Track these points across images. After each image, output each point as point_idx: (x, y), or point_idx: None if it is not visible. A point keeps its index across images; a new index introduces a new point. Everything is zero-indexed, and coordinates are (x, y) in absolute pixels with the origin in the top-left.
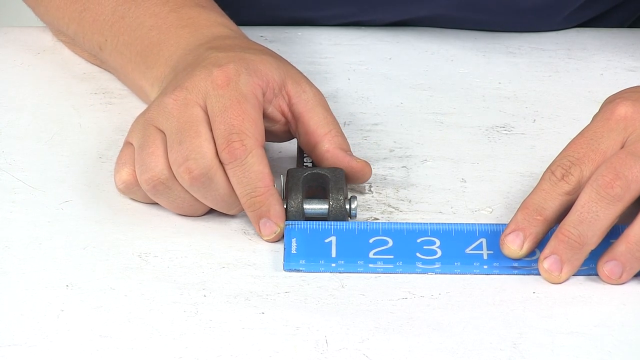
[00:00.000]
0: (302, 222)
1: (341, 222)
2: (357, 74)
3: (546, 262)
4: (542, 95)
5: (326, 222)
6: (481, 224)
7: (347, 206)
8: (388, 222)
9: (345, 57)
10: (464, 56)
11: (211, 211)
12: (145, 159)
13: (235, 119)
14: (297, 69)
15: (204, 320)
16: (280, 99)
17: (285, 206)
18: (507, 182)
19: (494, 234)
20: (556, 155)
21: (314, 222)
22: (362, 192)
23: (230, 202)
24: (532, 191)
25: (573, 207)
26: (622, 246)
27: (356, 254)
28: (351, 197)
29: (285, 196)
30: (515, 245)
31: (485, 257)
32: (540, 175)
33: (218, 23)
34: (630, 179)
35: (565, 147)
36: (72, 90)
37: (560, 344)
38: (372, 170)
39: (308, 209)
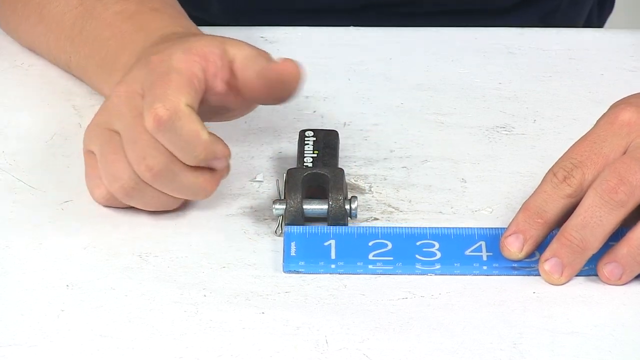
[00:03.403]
0: (301, 226)
1: (340, 226)
2: (357, 74)
3: (547, 264)
4: (542, 95)
5: (325, 226)
6: (480, 227)
7: (347, 206)
8: (387, 227)
9: (345, 57)
10: (464, 56)
11: (211, 211)
12: (109, 169)
13: (159, 88)
14: (234, 38)
15: (204, 320)
16: (226, 70)
17: (284, 206)
18: (507, 182)
19: (493, 237)
20: (558, 157)
21: (313, 226)
22: (362, 192)
23: (196, 189)
24: (533, 193)
25: (576, 211)
26: (623, 249)
27: (355, 255)
28: (351, 197)
29: (285, 196)
30: (515, 247)
31: (484, 258)
32: (541, 176)
33: (171, 24)
34: (635, 185)
35: (568, 149)
36: (72, 90)
37: (560, 344)
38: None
39: (308, 209)
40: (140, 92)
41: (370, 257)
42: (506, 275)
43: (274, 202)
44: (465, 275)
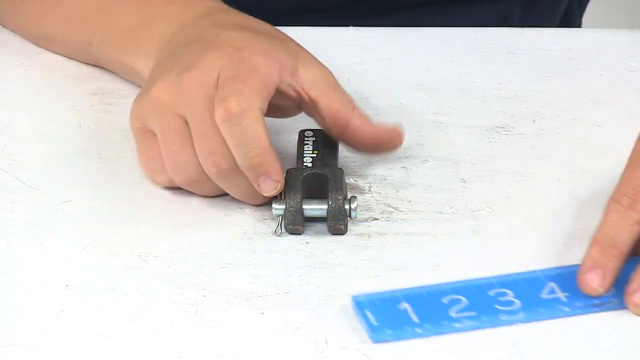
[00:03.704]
0: (368, 294)
1: (407, 288)
2: (357, 74)
3: (636, 297)
4: (542, 95)
5: (391, 290)
6: (543, 269)
7: (347, 206)
8: (453, 282)
9: (345, 57)
10: (464, 56)
11: (211, 211)
12: (175, 159)
13: (237, 84)
14: (305, 50)
15: (204, 320)
16: (294, 82)
17: (284, 206)
18: (506, 182)
19: (562, 277)
20: (557, 157)
21: (380, 292)
22: (362, 192)
23: (251, 194)
24: (601, 224)
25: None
26: None
27: (437, 315)
28: (351, 197)
29: (285, 196)
30: (595, 283)
31: (563, 299)
32: (540, 176)
33: None
34: None
35: (624, 175)
36: (71, 90)
37: (560, 344)
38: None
39: (307, 209)
40: (215, 83)
41: (452, 314)
42: (591, 313)
43: (274, 202)
44: (552, 319)
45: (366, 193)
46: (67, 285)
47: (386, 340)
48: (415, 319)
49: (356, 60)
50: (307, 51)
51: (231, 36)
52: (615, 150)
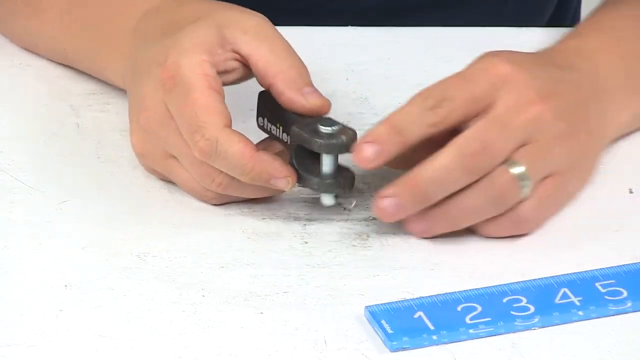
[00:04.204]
0: (381, 304)
1: (421, 297)
2: (355, 74)
3: (386, 202)
4: None
5: (405, 300)
6: (555, 275)
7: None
8: (465, 290)
9: (344, 57)
10: (464, 56)
11: (210, 211)
12: (188, 187)
13: (189, 118)
14: (231, 7)
15: (203, 320)
16: (229, 52)
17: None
18: None
19: (572, 282)
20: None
21: (393, 302)
22: (361, 192)
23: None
24: (400, 109)
25: (433, 163)
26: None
27: (453, 322)
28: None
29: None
30: (368, 153)
31: (577, 303)
32: None
33: None
34: (495, 155)
35: (442, 80)
36: (70, 91)
37: (560, 343)
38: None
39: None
40: (169, 115)
41: (468, 321)
42: (604, 317)
43: (322, 197)
44: (566, 324)
45: (365, 192)
46: (66, 285)
47: (404, 348)
48: (430, 326)
49: (355, 60)
50: (234, 8)
51: (156, 51)
52: (615, 149)
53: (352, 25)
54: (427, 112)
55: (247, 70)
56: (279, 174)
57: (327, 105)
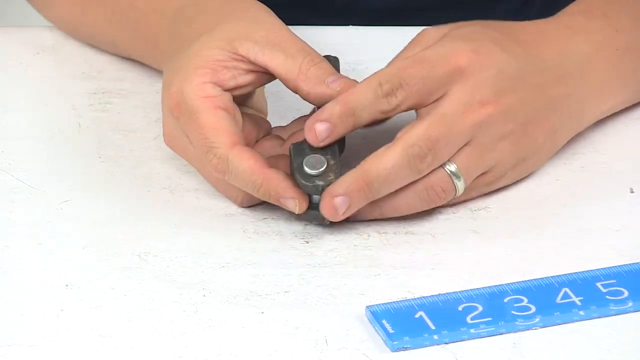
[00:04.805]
0: (382, 304)
1: (422, 297)
2: (356, 74)
3: (338, 200)
4: None
5: (405, 299)
6: (556, 275)
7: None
8: (466, 290)
9: (345, 57)
10: None
11: (211, 211)
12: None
13: (199, 140)
14: (240, 17)
15: (203, 320)
16: (240, 64)
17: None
18: None
19: (573, 282)
20: (556, 156)
21: (394, 302)
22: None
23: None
24: (355, 90)
25: (382, 161)
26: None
27: (454, 322)
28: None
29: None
30: (321, 132)
31: (578, 303)
32: (539, 175)
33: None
34: (439, 157)
35: (398, 61)
36: (71, 90)
37: (559, 343)
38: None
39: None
40: (187, 139)
41: (469, 320)
42: (605, 317)
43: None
44: (567, 323)
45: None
46: (66, 285)
47: (405, 348)
48: (431, 325)
49: (356, 60)
50: (243, 15)
51: (165, 78)
52: (615, 149)
53: (359, 24)
54: (381, 99)
55: (265, 77)
56: (286, 194)
57: (353, 85)
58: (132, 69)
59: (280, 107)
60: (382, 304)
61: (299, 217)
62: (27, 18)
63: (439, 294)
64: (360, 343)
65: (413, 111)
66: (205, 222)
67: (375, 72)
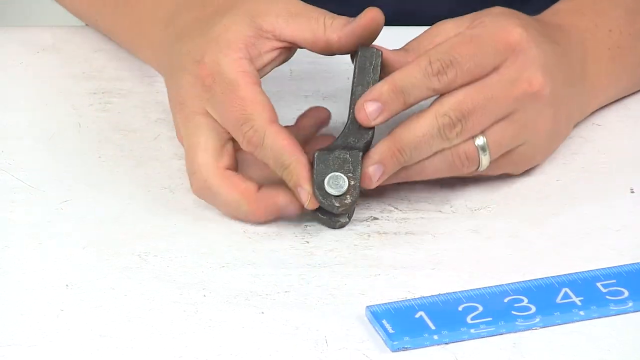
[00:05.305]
0: (382, 304)
1: (422, 297)
2: None
3: (372, 169)
4: None
5: (406, 300)
6: (556, 275)
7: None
8: (467, 290)
9: (345, 57)
10: None
11: (211, 211)
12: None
13: (236, 111)
14: None
15: (203, 320)
16: (265, 41)
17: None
18: (506, 181)
19: (573, 282)
20: (556, 156)
21: (394, 302)
22: (362, 191)
23: (237, 206)
24: (404, 70)
25: (414, 128)
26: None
27: (454, 322)
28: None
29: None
30: (371, 110)
31: (578, 303)
32: (540, 175)
33: None
34: (469, 129)
35: (451, 41)
36: (71, 90)
37: (560, 343)
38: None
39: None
40: (202, 111)
41: (469, 320)
42: (605, 317)
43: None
44: (567, 323)
45: (366, 192)
46: (66, 285)
47: (405, 348)
48: (432, 326)
49: None
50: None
51: (189, 48)
52: (615, 149)
53: None
54: (432, 77)
55: (285, 54)
56: (305, 184)
57: (375, 12)
58: (132, 69)
59: (281, 107)
60: (382, 304)
61: (308, 215)
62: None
63: (439, 294)
64: (360, 343)
65: None
66: (205, 222)
67: (426, 51)
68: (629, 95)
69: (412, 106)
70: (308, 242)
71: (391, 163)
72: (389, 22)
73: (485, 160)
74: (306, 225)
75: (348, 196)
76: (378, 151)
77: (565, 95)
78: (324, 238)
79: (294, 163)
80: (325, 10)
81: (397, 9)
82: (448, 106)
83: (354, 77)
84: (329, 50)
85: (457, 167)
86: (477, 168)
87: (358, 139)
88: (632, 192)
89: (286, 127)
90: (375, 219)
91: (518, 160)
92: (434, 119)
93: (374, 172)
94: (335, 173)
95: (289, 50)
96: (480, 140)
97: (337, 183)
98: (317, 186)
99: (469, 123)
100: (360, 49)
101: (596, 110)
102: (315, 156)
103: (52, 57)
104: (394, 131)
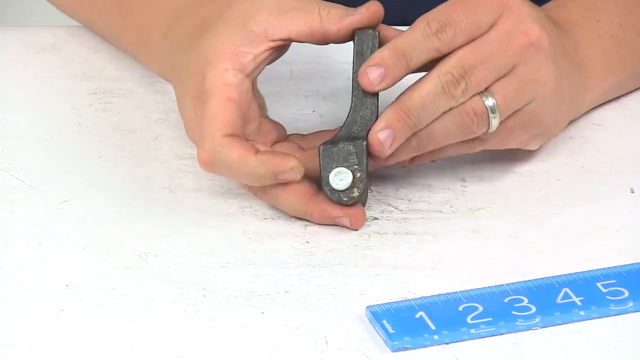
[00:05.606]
0: (382, 304)
1: (422, 297)
2: None
3: (382, 134)
4: None
5: (406, 300)
6: (556, 275)
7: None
8: (466, 290)
9: (345, 57)
10: None
11: (211, 211)
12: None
13: (198, 126)
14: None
15: (204, 320)
16: (258, 44)
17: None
18: (506, 181)
19: (573, 282)
20: (556, 156)
21: (394, 302)
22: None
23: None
24: (405, 34)
25: (418, 89)
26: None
27: (454, 322)
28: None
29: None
30: (374, 76)
31: (579, 303)
32: (540, 175)
33: None
34: (472, 84)
35: (446, 4)
36: (71, 90)
37: (560, 343)
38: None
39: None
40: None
41: (469, 321)
42: (605, 317)
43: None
44: (567, 323)
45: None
46: (66, 285)
47: (405, 348)
48: (432, 326)
49: None
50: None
51: (189, 61)
52: (615, 149)
53: None
54: (431, 37)
55: (280, 51)
56: (282, 168)
57: (377, 6)
58: (132, 69)
59: (280, 106)
60: (382, 304)
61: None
62: (27, 18)
63: (439, 294)
64: (361, 343)
65: None
66: (205, 222)
67: (422, 15)
68: (628, 95)
69: (414, 70)
70: (308, 242)
71: (400, 126)
72: (395, 23)
73: (495, 121)
74: (306, 225)
75: (355, 189)
76: (385, 117)
77: (565, 66)
78: (324, 238)
79: (257, 165)
80: (317, 2)
81: (403, 8)
82: (449, 64)
83: (353, 62)
84: (325, 41)
85: (468, 125)
86: (488, 129)
87: (362, 128)
88: (632, 192)
89: (298, 134)
90: (375, 219)
91: (529, 120)
92: (436, 77)
93: (385, 138)
94: (339, 168)
95: (283, 46)
96: (489, 101)
97: (341, 178)
98: (324, 182)
99: (472, 79)
100: (357, 33)
101: (596, 110)
102: (320, 150)
103: (52, 57)
104: (399, 96)
